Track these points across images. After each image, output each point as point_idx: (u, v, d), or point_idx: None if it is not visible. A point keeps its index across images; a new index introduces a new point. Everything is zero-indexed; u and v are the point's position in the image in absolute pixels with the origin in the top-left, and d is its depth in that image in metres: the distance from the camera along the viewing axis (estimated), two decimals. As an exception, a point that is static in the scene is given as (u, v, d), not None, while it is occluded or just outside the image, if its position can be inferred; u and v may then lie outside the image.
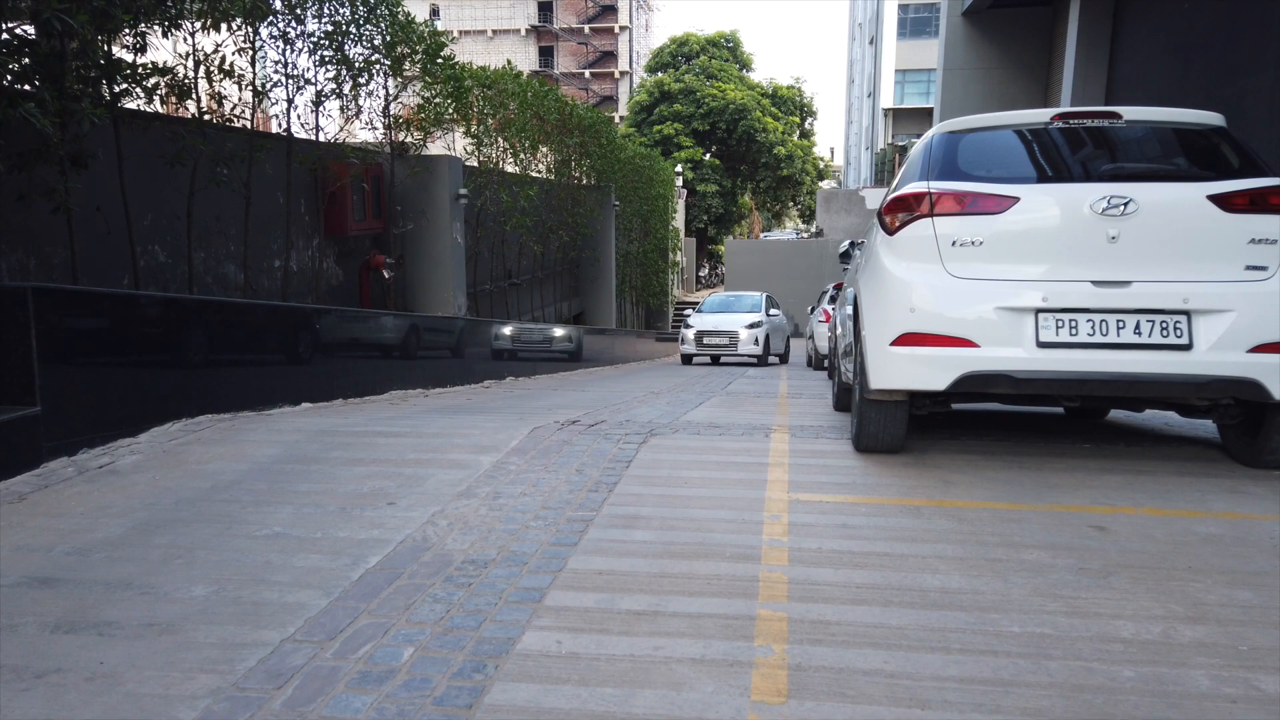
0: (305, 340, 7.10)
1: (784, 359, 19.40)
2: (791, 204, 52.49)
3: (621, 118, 50.25)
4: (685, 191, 41.99)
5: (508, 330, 12.13)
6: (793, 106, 49.73)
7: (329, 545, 3.34)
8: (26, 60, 4.85)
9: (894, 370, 4.17)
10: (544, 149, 14.27)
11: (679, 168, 40.47)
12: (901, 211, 4.27)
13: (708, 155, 46.13)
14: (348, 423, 5.71)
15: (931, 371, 4.06)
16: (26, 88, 4.74)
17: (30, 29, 4.84)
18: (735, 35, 50.23)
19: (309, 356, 7.14)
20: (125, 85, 5.76)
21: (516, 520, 3.58)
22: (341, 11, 8.24)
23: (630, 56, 60.86)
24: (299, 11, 7.82)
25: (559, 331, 15.25)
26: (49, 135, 4.72)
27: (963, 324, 4.01)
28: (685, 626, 2.63)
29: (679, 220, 35.86)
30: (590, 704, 2.21)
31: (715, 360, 18.26)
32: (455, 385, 9.40)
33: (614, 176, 18.83)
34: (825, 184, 54.19)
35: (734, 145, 46.17)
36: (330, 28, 8.14)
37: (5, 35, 4.73)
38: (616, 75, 60.49)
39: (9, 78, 4.61)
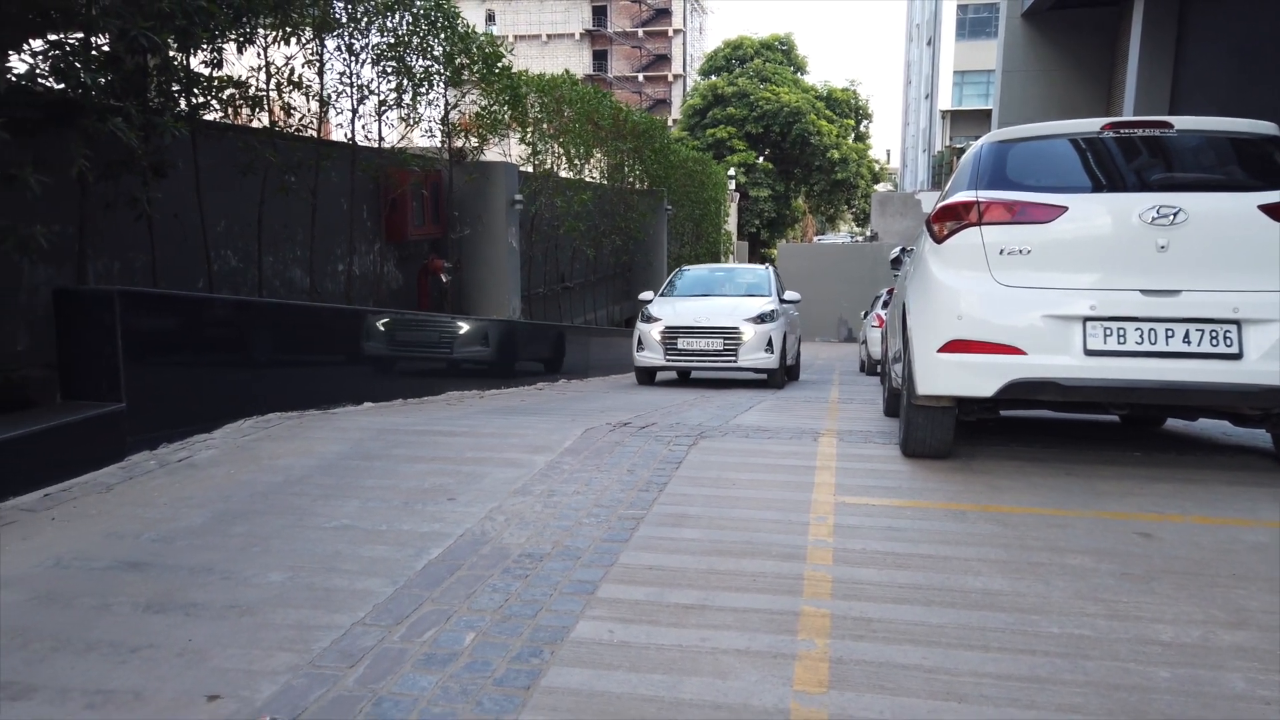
0: (367, 342, 7.36)
1: (795, 373, 12.73)
2: (846, 208, 52.12)
3: (675, 121, 50.41)
4: (738, 195, 41.97)
5: (560, 333, 12.34)
6: (848, 109, 49.38)
7: (394, 537, 3.52)
8: (114, 75, 5.15)
9: (941, 376, 4.24)
10: (598, 154, 14.48)
11: (732, 171, 40.47)
12: (950, 220, 4.33)
13: (761, 159, 46.03)
14: (408, 421, 5.93)
15: (978, 378, 4.12)
16: (114, 102, 5.02)
17: (120, 45, 5.13)
18: (790, 38, 50.05)
19: (370, 357, 7.40)
20: (203, 98, 6.05)
21: (570, 517, 3.73)
22: (402, 25, 8.50)
23: (684, 60, 60.97)
24: (363, 25, 8.10)
25: (610, 334, 15.43)
26: (134, 147, 4.99)
27: (1010, 331, 4.07)
28: (731, 620, 2.75)
29: (731, 224, 35.90)
30: (640, 689, 2.34)
31: (686, 375, 12.00)
32: (509, 386, 9.62)
33: (667, 180, 18.97)
34: (880, 187, 53.68)
35: (788, 149, 46.00)
36: (392, 40, 8.42)
37: (95, 51, 5.02)
38: (670, 79, 60.65)
39: (97, 92, 4.89)
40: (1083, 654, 2.53)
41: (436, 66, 9.13)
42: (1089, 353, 3.99)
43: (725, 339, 10.15)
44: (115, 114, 4.80)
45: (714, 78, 48.17)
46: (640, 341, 10.59)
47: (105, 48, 5.10)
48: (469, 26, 9.62)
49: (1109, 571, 3.14)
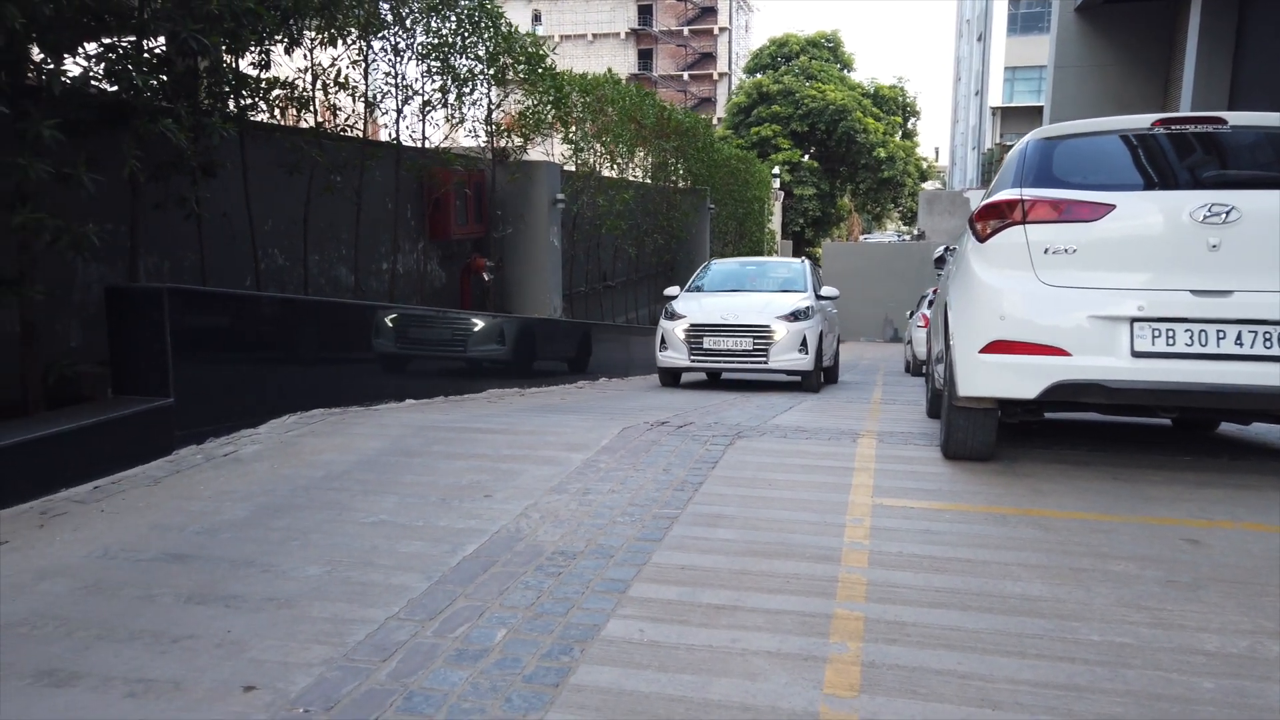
0: (410, 339, 7.45)
1: (833, 375, 11.98)
2: (892, 206, 51.52)
3: (719, 120, 50.23)
4: (782, 194, 41.69)
5: (600, 332, 12.36)
6: (895, 106, 48.79)
7: (430, 533, 3.55)
8: (165, 77, 5.28)
9: (983, 378, 4.17)
10: (641, 153, 14.49)
11: (776, 170, 40.20)
12: (993, 219, 4.26)
13: (806, 157, 45.68)
14: (448, 419, 5.98)
15: (1021, 380, 4.05)
16: (165, 104, 5.14)
17: (170, 48, 5.26)
18: (836, 35, 49.61)
19: (413, 355, 7.49)
20: (251, 99, 6.18)
21: (604, 515, 3.74)
22: (447, 25, 8.59)
23: (729, 58, 60.76)
24: (408, 25, 8.19)
25: (652, 333, 15.40)
26: (183, 148, 5.11)
27: (1054, 332, 3.98)
28: (763, 621, 2.74)
29: (775, 222, 35.63)
30: (669, 689, 2.34)
31: (717, 377, 11.28)
32: (550, 385, 9.66)
33: (710, 179, 18.91)
34: (928, 185, 52.96)
35: (833, 147, 45.58)
36: (436, 40, 8.50)
37: (147, 54, 5.15)
38: (715, 77, 60.47)
39: (148, 94, 5.01)
40: (1123, 663, 2.47)
41: (480, 66, 9.21)
42: (1136, 354, 3.89)
43: (755, 338, 9.40)
44: (166, 115, 4.92)
45: (759, 76, 47.92)
46: (663, 340, 9.86)
47: (157, 50, 5.23)
48: (512, 27, 9.68)
49: (1154, 579, 3.06)
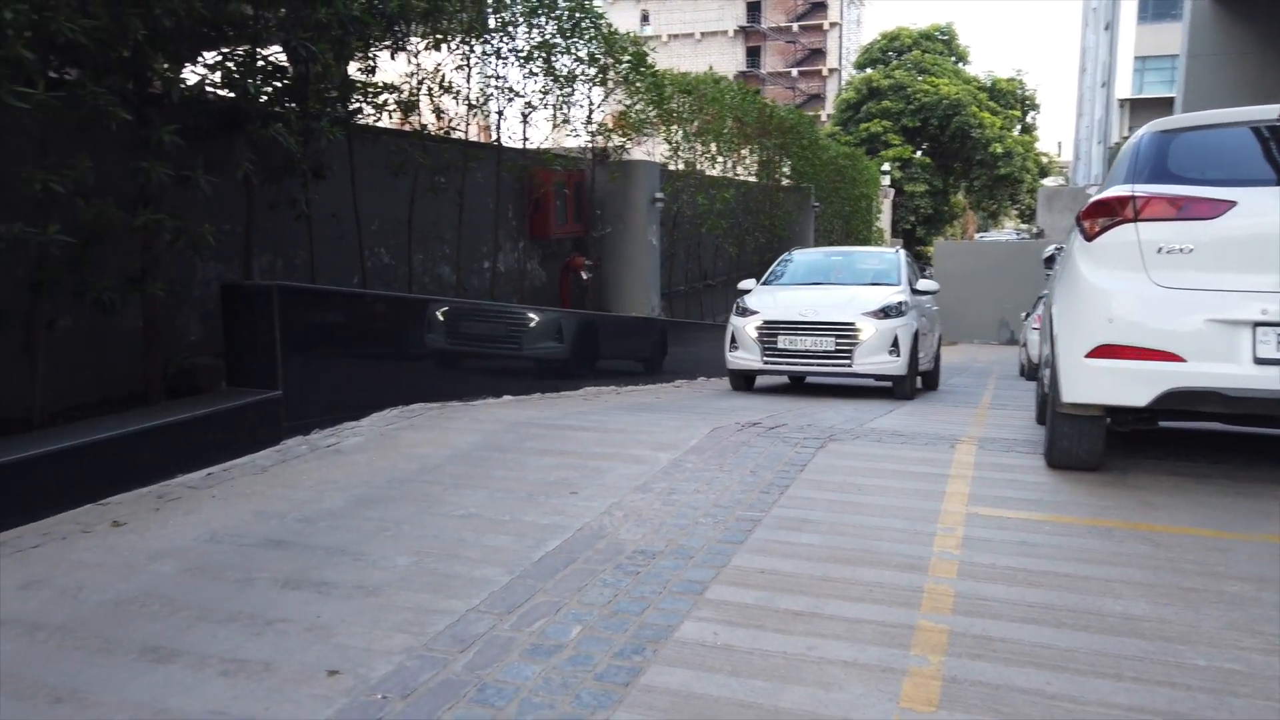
0: (509, 336, 7.59)
1: (933, 380, 10.53)
2: (1009, 203, 49.68)
3: (828, 116, 49.45)
4: (891, 191, 40.69)
5: (698, 331, 12.33)
6: (1013, 100, 47.02)
7: (515, 528, 3.61)
8: (278, 84, 5.53)
9: (1089, 383, 3.96)
10: (743, 151, 14.37)
11: (886, 166, 39.30)
12: (1102, 216, 4.05)
13: (918, 153, 44.49)
14: (542, 415, 6.07)
15: (1130, 386, 3.83)
16: (278, 109, 5.38)
17: (282, 56, 5.50)
18: (951, 28, 48.16)
19: (512, 352, 7.63)
20: (359, 104, 6.40)
21: (687, 516, 3.72)
22: (549, 27, 8.71)
23: (839, 53, 59.72)
24: (510, 29, 8.35)
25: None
26: (293, 151, 5.33)
27: (1168, 336, 3.76)
28: (841, 629, 2.67)
29: (884, 221, 34.81)
30: (739, 694, 2.31)
31: (799, 380, 10.16)
32: (647, 384, 9.68)
33: (815, 177, 18.60)
34: (1048, 181, 50.82)
35: (946, 142, 44.23)
36: (538, 41, 8.63)
37: (261, 62, 5.40)
38: (824, 73, 59.55)
39: (263, 99, 5.24)
40: (1230, 690, 2.30)
41: (581, 67, 9.30)
42: (1259, 361, 3.63)
43: (838, 337, 8.23)
44: (277, 120, 5.14)
45: (869, 71, 46.93)
46: (733, 339, 8.81)
47: (271, 58, 5.48)
48: (612, 27, 9.75)
49: (1272, 602, 2.85)
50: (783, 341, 8.45)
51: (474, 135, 8.56)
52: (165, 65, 4.50)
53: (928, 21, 50.07)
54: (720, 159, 13.28)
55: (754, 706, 2.25)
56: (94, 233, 4.39)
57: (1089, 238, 4.09)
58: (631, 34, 10.67)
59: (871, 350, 8.22)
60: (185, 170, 4.64)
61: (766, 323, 8.56)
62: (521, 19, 8.51)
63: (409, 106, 7.09)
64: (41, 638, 2.67)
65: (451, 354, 6.92)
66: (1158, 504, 3.89)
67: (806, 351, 8.37)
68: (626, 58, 10.14)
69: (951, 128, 43.72)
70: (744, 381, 9.11)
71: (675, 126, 11.92)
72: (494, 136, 8.63)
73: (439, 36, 7.26)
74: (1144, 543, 3.39)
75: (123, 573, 3.17)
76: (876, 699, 2.28)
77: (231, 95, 5.11)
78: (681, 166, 12.22)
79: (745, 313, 8.82)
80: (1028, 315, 17.26)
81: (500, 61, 8.37)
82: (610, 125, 10.59)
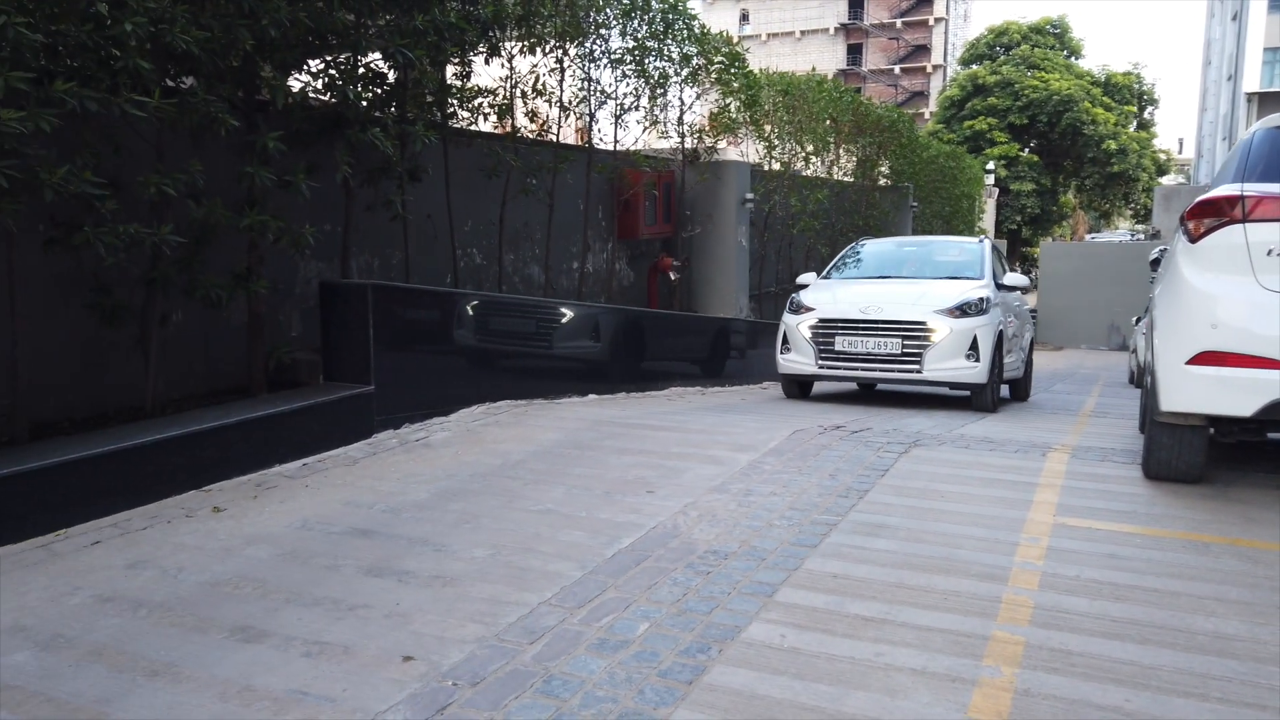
0: (597, 336, 7.68)
1: (1022, 391, 9.46)
2: (1123, 203, 47.52)
3: (931, 114, 48.22)
4: (996, 191, 39.41)
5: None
6: (1129, 95, 44.96)
7: (590, 524, 3.66)
8: (376, 90, 5.73)
9: (1189, 391, 3.78)
10: (839, 150, 14.16)
11: (990, 165, 38.06)
12: (1208, 217, 3.85)
13: (1025, 151, 42.97)
14: (624, 414, 6.13)
15: (1234, 395, 3.64)
16: (376, 114, 5.58)
17: (381, 62, 5.71)
18: (1063, 20, 46.36)
19: (599, 351, 7.71)
20: (453, 108, 6.59)
21: (761, 518, 3.70)
22: (642, 29, 8.77)
23: (945, 49, 58.18)
24: (604, 32, 8.44)
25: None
26: (390, 155, 5.52)
27: (1276, 343, 3.56)
28: (911, 637, 2.63)
29: (988, 221, 33.75)
30: (802, 697, 2.30)
31: (871, 387, 9.25)
32: (733, 385, 9.65)
33: (914, 176, 18.19)
34: (1167, 180, 48.41)
35: (1056, 140, 42.58)
36: (632, 43, 8.71)
37: (361, 69, 5.61)
38: (929, 69, 58.10)
39: (363, 104, 5.45)
40: (1328, 719, 2.18)
41: (674, 68, 9.34)
42: (1377, 370, 3.41)
43: (906, 338, 7.21)
44: (374, 125, 5.33)
45: (974, 67, 45.58)
46: (785, 340, 7.84)
47: (371, 64, 5.69)
48: (705, 28, 9.74)
49: (1382, 627, 2.68)
50: (841, 343, 7.44)
51: (566, 137, 8.69)
52: (272, 74, 4.72)
53: (1039, 14, 48.34)
54: (815, 159, 13.12)
55: (816, 710, 2.23)
56: (204, 233, 4.65)
57: (1193, 239, 3.91)
58: (725, 33, 10.64)
59: (946, 354, 7.17)
60: (287, 174, 4.86)
61: (822, 321, 7.58)
62: (616, 21, 8.60)
63: (503, 110, 7.25)
64: (143, 614, 2.84)
65: (537, 352, 7.04)
66: (1261, 520, 3.69)
67: (869, 355, 7.36)
68: (719, 58, 10.13)
69: (1061, 124, 42.09)
70: (798, 388, 8.15)
71: (768, 126, 11.83)
72: (585, 138, 8.74)
73: (533, 40, 7.39)
74: (1242, 559, 3.23)
75: (220, 556, 3.35)
76: (943, 708, 2.24)
77: (333, 101, 5.32)
78: (776, 166, 12.12)
79: (799, 309, 7.86)
80: (1139, 320, 16.49)
81: (593, 64, 8.47)
82: (702, 126, 10.60)
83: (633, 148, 9.41)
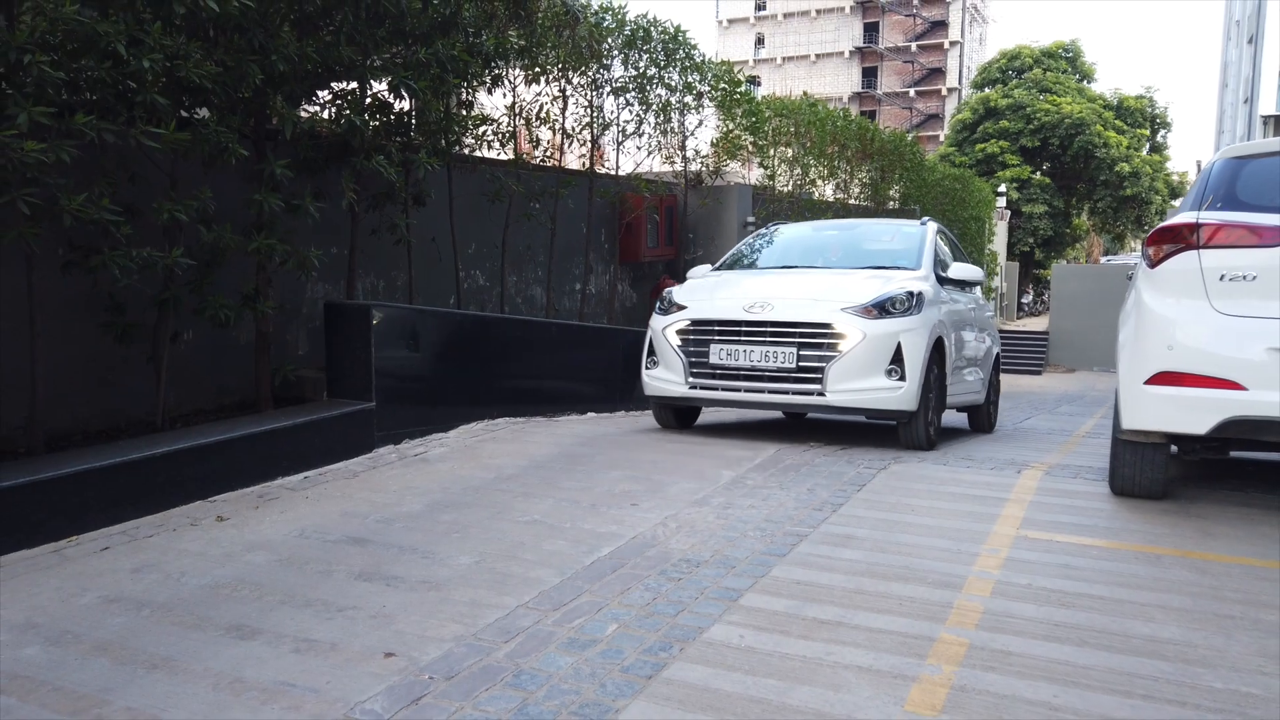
0: (597, 356, 7.88)
1: (984, 419, 7.80)
2: (1135, 225, 47.48)
3: (945, 137, 48.42)
4: (1008, 213, 39.48)
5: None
6: (1141, 118, 45.03)
7: (574, 534, 3.84)
8: (382, 119, 5.99)
9: (1148, 410, 3.94)
10: (843, 174, 14.38)
11: (1002, 188, 38.20)
12: (1166, 243, 4.02)
13: (1037, 173, 43.07)
14: (618, 431, 6.31)
15: (1190, 414, 3.80)
16: (382, 142, 5.84)
17: (386, 93, 5.97)
18: (1076, 44, 46.54)
19: (599, 371, 7.91)
20: (456, 136, 6.84)
21: (737, 529, 3.88)
22: (643, 59, 9.03)
23: (960, 72, 58.45)
24: (606, 61, 8.71)
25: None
26: (394, 181, 5.77)
27: (1229, 364, 3.71)
28: (862, 638, 2.79)
29: (999, 243, 33.83)
30: (752, 690, 2.47)
31: (791, 416, 7.62)
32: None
33: (921, 199, 18.39)
34: (1179, 202, 48.34)
35: (1068, 162, 42.69)
36: (634, 73, 8.97)
37: (368, 100, 5.87)
38: (944, 92, 58.39)
39: (366, 133, 5.70)
40: (1241, 712, 2.33)
41: (674, 96, 9.59)
42: (1324, 390, 3.56)
43: (803, 345, 5.44)
44: (379, 153, 5.58)
45: (987, 90, 45.80)
46: (650, 350, 6.12)
47: (378, 95, 5.95)
48: (705, 58, 10.00)
49: (1312, 633, 2.82)
50: (718, 353, 5.68)
51: (568, 162, 8.93)
52: (281, 104, 4.97)
53: (1053, 39, 48.57)
54: (820, 182, 13.34)
55: (763, 703, 2.40)
56: (213, 256, 4.89)
57: (1153, 264, 4.07)
58: (726, 62, 10.91)
59: (857, 368, 5.36)
60: (295, 199, 5.10)
61: (695, 323, 5.82)
62: (618, 52, 8.87)
63: (505, 139, 7.50)
64: (146, 614, 3.05)
65: (537, 371, 7.25)
66: (1217, 533, 3.83)
67: (753, 371, 5.57)
68: (722, 85, 10.38)
69: (1074, 147, 42.21)
70: (671, 416, 6.36)
71: (772, 151, 12.07)
72: (587, 164, 8.99)
73: (536, 71, 7.65)
74: (1191, 570, 3.37)
75: (220, 561, 3.56)
76: (882, 701, 2.40)
77: (339, 130, 5.57)
78: (784, 189, 12.33)
79: (670, 308, 6.07)
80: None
81: (595, 92, 8.73)
82: (704, 152, 10.84)
83: (635, 172, 9.65)
